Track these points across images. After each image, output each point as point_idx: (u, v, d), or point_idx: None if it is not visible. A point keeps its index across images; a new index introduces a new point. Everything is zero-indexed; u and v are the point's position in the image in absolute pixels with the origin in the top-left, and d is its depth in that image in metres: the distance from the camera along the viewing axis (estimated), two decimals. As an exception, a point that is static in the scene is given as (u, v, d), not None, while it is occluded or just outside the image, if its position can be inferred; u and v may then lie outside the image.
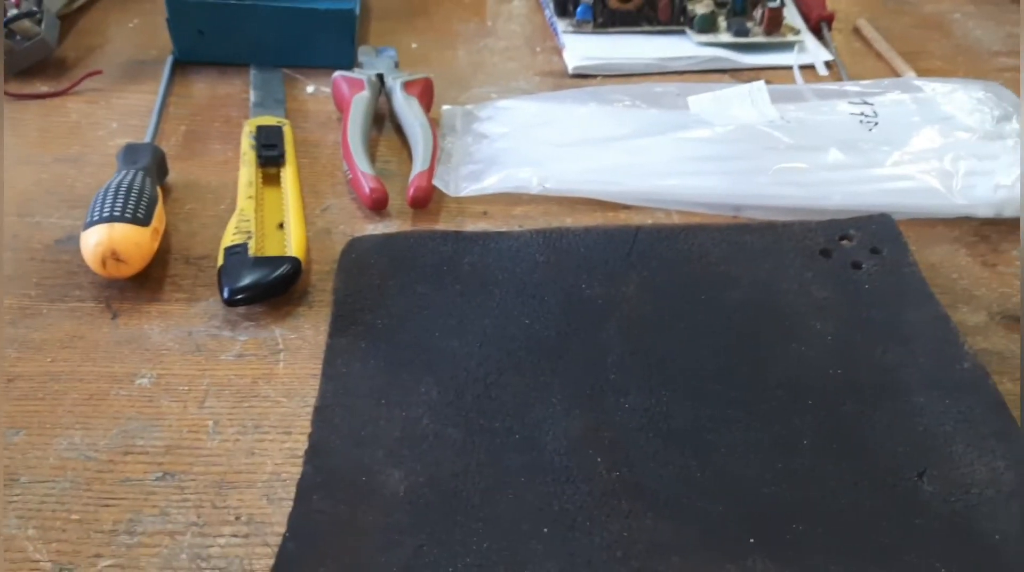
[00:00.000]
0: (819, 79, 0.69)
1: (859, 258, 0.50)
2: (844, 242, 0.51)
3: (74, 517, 0.37)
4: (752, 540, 0.37)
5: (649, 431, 0.41)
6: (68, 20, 0.72)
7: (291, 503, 0.38)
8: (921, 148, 0.56)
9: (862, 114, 0.59)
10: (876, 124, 0.58)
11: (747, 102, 0.60)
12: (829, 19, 0.75)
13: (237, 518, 0.38)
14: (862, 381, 0.44)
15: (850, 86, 0.63)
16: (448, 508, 0.38)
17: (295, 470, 0.39)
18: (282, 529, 0.37)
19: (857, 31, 0.76)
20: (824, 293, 0.48)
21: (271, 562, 0.36)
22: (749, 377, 0.44)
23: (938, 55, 0.73)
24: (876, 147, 0.56)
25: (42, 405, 0.42)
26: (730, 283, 0.49)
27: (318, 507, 0.38)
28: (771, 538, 0.37)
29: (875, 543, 0.37)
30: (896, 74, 0.69)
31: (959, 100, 0.59)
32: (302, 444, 0.40)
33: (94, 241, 0.46)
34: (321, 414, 0.42)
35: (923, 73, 0.68)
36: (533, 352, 0.45)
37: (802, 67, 0.70)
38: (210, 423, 0.42)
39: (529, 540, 0.37)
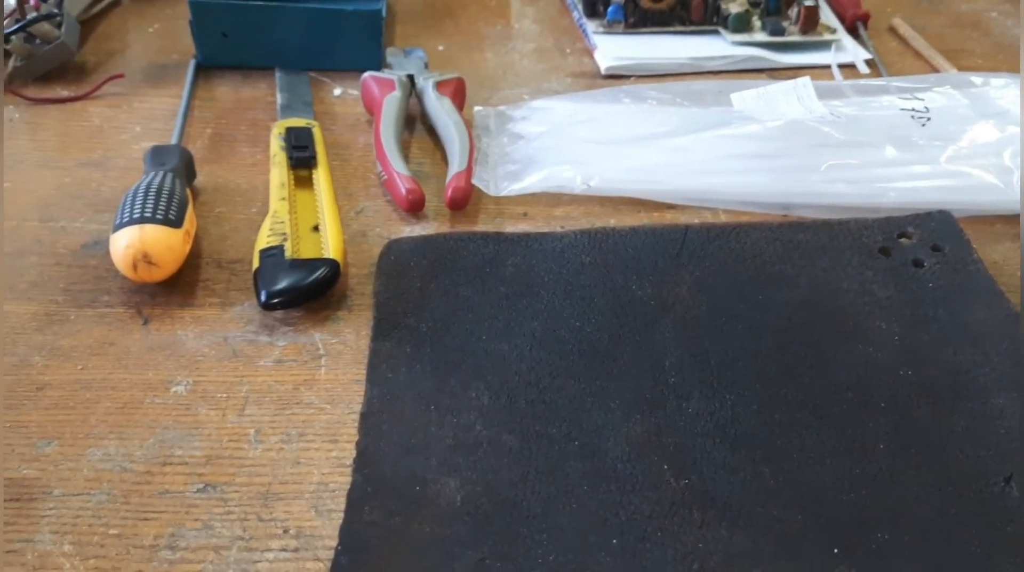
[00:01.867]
0: (859, 78, 0.67)
1: (920, 256, 0.48)
2: (903, 240, 0.49)
3: (112, 532, 0.35)
4: (836, 551, 0.34)
5: (715, 436, 0.39)
6: (88, 24, 0.70)
7: (341, 514, 0.36)
8: (977, 143, 0.54)
9: (913, 109, 0.57)
10: (928, 119, 0.56)
11: (793, 98, 0.59)
12: (865, 18, 0.73)
13: (285, 531, 0.35)
14: (935, 382, 0.42)
15: (896, 82, 0.61)
16: (509, 519, 0.36)
17: (343, 480, 0.37)
18: (333, 542, 0.35)
19: (893, 30, 0.75)
20: (886, 292, 0.46)
21: (326, 577, 0.33)
22: (815, 379, 0.42)
23: (978, 53, 0.72)
24: (930, 143, 0.54)
25: (74, 414, 0.40)
26: (787, 282, 0.47)
27: (370, 518, 0.35)
28: (855, 548, 0.35)
29: (965, 552, 0.35)
30: (938, 72, 0.67)
31: (1013, 94, 0.58)
32: (349, 452, 0.38)
33: (124, 243, 0.44)
34: (368, 421, 0.40)
35: (965, 71, 0.66)
36: (586, 355, 0.43)
37: (840, 66, 0.69)
38: (251, 431, 0.39)
39: (598, 552, 0.34)
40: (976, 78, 0.60)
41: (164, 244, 0.44)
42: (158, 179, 0.48)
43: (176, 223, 0.45)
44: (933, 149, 0.54)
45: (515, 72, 0.68)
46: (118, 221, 0.45)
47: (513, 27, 0.75)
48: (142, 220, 0.45)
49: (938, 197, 0.52)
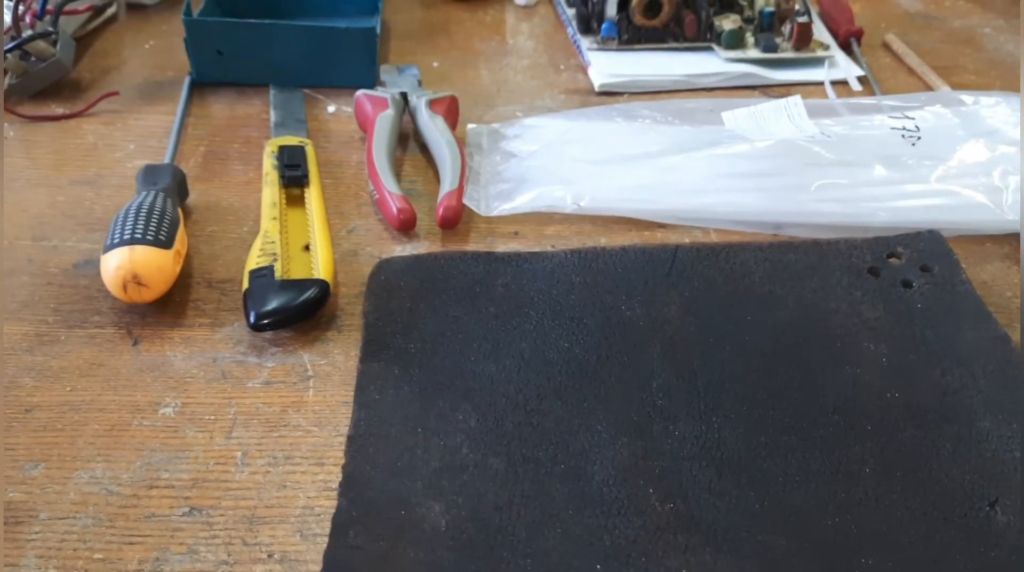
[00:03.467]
0: (851, 95, 0.67)
1: (909, 276, 0.48)
2: (892, 260, 0.49)
3: (97, 556, 0.35)
4: (819, 576, 0.34)
5: (702, 460, 0.39)
6: (84, 41, 0.71)
7: (326, 539, 0.36)
8: (967, 162, 0.54)
9: (904, 128, 0.57)
10: (919, 138, 0.56)
11: (784, 117, 0.59)
12: (858, 34, 0.73)
13: (270, 556, 0.35)
14: (922, 405, 0.42)
15: (888, 100, 0.61)
16: (493, 543, 0.36)
17: (329, 504, 0.37)
18: (317, 567, 0.35)
19: (886, 46, 0.75)
20: (875, 313, 0.46)
21: (309, 603, 0.33)
22: (802, 402, 0.42)
23: (971, 69, 0.72)
24: (920, 162, 0.55)
25: (61, 436, 0.40)
26: (776, 303, 0.47)
27: (355, 543, 0.35)
28: (840, 573, 0.35)
29: (949, 578, 0.35)
30: (930, 89, 0.67)
31: (1003, 113, 0.58)
32: (335, 476, 0.38)
33: (114, 264, 0.44)
34: (355, 444, 0.40)
35: (957, 88, 0.66)
36: (574, 376, 0.43)
37: (833, 83, 0.69)
38: (238, 454, 0.39)
39: (581, 577, 0.34)
40: (967, 97, 0.60)
41: (154, 265, 0.45)
42: (149, 199, 0.48)
43: (167, 244, 0.46)
44: (923, 168, 0.54)
45: (509, 89, 0.68)
46: (109, 242, 0.45)
47: (508, 43, 0.75)
48: (132, 241, 0.45)
49: (928, 217, 0.52)
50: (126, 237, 0.45)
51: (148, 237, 0.45)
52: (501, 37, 0.76)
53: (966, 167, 0.54)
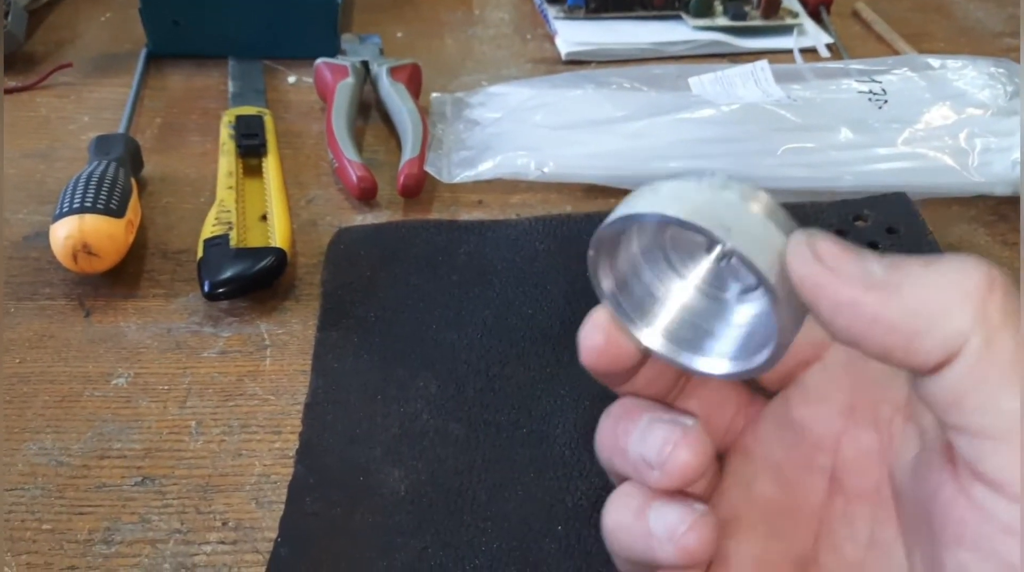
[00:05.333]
0: (820, 62, 0.67)
1: (875, 238, 0.48)
2: (859, 222, 0.49)
3: (45, 527, 0.34)
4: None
5: (665, 421, 0.38)
6: (37, 15, 0.69)
7: (282, 506, 0.35)
8: (933, 125, 0.54)
9: (871, 92, 0.57)
10: (885, 102, 0.56)
11: (750, 82, 0.58)
12: (828, 2, 0.72)
13: (224, 524, 0.35)
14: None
15: (855, 64, 0.61)
16: (453, 507, 0.35)
17: (286, 472, 0.36)
18: (273, 534, 0.34)
19: (856, 15, 0.74)
20: (841, 275, 0.46)
21: (262, 570, 0.33)
22: (768, 363, 0.41)
23: (940, 37, 0.71)
24: (887, 125, 0.54)
25: (10, 408, 0.39)
26: (742, 267, 0.47)
27: (312, 509, 0.35)
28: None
29: None
30: (898, 55, 0.67)
31: (970, 76, 0.57)
32: (293, 444, 0.38)
33: (64, 234, 0.43)
34: (312, 411, 0.39)
35: (925, 54, 0.66)
36: (537, 342, 0.42)
37: (802, 50, 0.68)
38: (192, 424, 0.38)
39: (542, 539, 0.34)
40: (934, 60, 0.60)
41: (105, 234, 0.43)
42: (100, 168, 0.47)
43: (118, 213, 0.44)
44: (890, 132, 0.54)
45: (474, 58, 0.67)
46: (58, 211, 0.44)
47: (474, 13, 0.74)
48: (82, 210, 0.43)
49: (895, 180, 0.51)
50: (75, 206, 0.44)
51: (99, 206, 0.44)
52: (467, 7, 0.75)
53: (933, 130, 0.54)
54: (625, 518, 0.25)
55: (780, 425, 0.27)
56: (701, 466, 0.23)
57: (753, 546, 0.26)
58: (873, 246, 0.47)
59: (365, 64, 0.60)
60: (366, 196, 0.51)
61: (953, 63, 0.59)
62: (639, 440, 0.24)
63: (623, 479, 0.26)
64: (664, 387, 0.27)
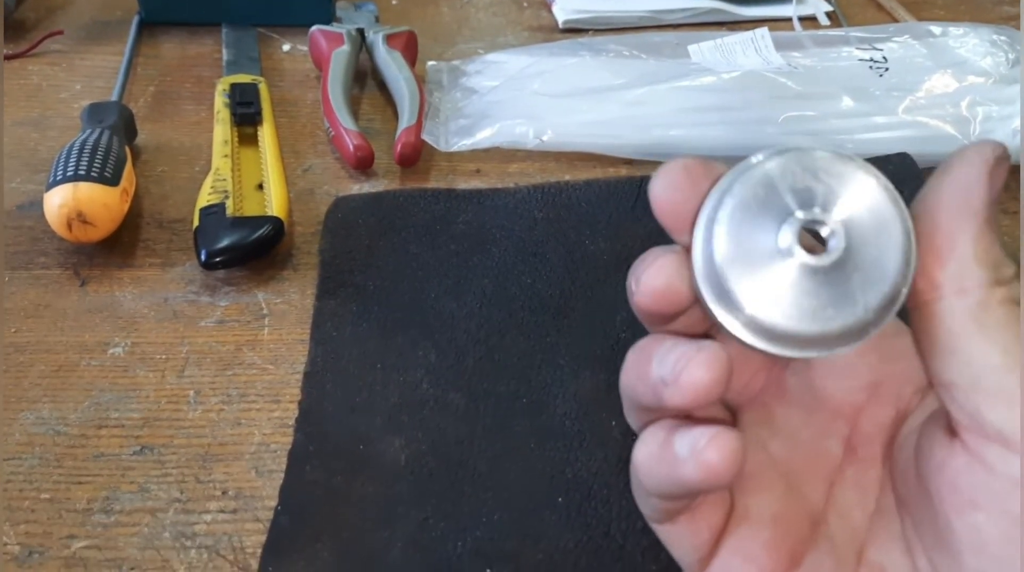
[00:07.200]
0: (819, 30, 0.66)
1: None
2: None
3: (44, 496, 0.34)
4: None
5: (666, 390, 0.38)
6: (27, -20, 0.68)
7: (282, 475, 0.35)
8: (935, 93, 0.53)
9: (871, 60, 0.56)
10: (886, 70, 0.55)
11: (750, 49, 0.57)
12: (826, -31, 0.72)
13: (224, 492, 0.34)
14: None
15: (855, 32, 0.60)
16: (454, 477, 0.35)
17: (285, 440, 0.36)
18: (273, 503, 0.34)
19: (855, -18, 0.74)
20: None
21: (263, 538, 0.33)
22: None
23: (940, 4, 0.71)
24: (887, 93, 0.54)
25: (6, 378, 0.39)
26: (742, 235, 0.46)
27: (311, 477, 0.35)
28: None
29: None
30: (897, 22, 0.66)
31: (971, 44, 0.57)
32: (292, 413, 0.37)
33: (58, 202, 0.42)
34: (311, 380, 0.39)
35: (925, 21, 0.65)
36: (537, 311, 0.42)
37: (801, 18, 0.68)
38: (191, 393, 0.38)
39: (543, 510, 0.34)
40: (935, 28, 0.59)
41: (100, 202, 0.43)
42: (94, 136, 0.46)
43: (112, 181, 0.44)
44: (891, 100, 0.53)
45: (471, 26, 0.67)
46: (52, 179, 0.43)
47: (470, -19, 0.73)
48: (76, 178, 0.43)
49: (896, 148, 0.51)
50: (69, 174, 0.43)
51: (93, 174, 0.43)
52: (463, -25, 0.74)
53: (934, 98, 0.53)
54: (653, 448, 0.25)
55: (802, 390, 0.27)
56: (715, 384, 0.23)
57: (772, 503, 0.26)
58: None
59: (360, 31, 0.59)
60: (363, 165, 0.50)
61: (955, 31, 0.58)
62: (659, 362, 0.24)
63: (644, 417, 0.26)
64: (699, 330, 0.26)
